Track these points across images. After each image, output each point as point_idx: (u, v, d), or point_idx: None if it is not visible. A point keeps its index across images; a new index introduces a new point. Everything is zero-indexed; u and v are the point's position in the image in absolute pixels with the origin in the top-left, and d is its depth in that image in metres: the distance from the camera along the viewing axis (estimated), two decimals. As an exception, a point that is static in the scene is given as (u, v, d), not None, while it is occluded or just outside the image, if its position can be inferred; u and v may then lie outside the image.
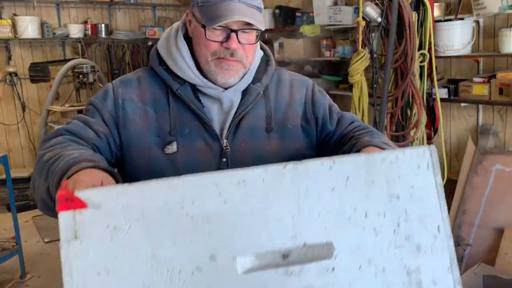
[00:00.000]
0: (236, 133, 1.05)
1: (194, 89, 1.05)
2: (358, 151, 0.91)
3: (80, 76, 4.65)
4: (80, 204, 0.49)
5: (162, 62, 1.07)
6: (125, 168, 1.06)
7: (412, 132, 2.90)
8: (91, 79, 4.70)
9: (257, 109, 1.08)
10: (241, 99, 1.07)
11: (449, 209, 2.88)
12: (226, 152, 1.03)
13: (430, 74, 2.92)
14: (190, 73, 1.04)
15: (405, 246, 0.60)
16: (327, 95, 1.19)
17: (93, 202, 0.49)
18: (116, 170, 0.91)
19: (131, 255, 0.50)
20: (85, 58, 5.10)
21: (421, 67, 2.90)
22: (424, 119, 2.91)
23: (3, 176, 4.21)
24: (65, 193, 0.49)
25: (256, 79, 1.09)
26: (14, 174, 4.28)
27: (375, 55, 2.92)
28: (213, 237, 0.53)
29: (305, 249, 0.57)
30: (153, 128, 1.02)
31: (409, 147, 0.68)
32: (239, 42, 0.99)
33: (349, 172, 0.58)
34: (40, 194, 0.86)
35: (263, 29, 1.01)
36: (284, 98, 1.12)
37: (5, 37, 4.75)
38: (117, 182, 0.79)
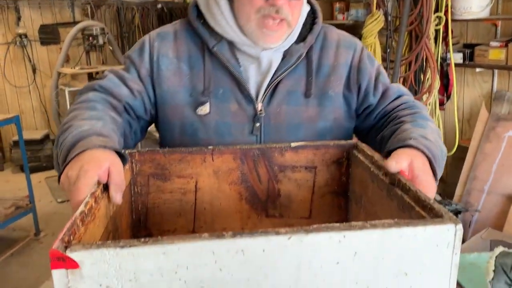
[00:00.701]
0: (272, 97, 0.99)
1: (232, 47, 0.99)
2: (390, 152, 0.80)
3: (90, 38, 4.61)
4: (72, 264, 0.50)
5: (200, 16, 1.01)
6: (160, 126, 1.04)
7: (424, 97, 2.86)
8: (101, 42, 4.65)
9: (297, 72, 1.00)
10: (282, 60, 0.99)
11: (459, 174, 2.87)
12: (260, 116, 0.98)
13: (445, 38, 2.85)
14: (228, 28, 0.96)
15: None
16: (376, 61, 1.08)
17: (86, 263, 0.50)
18: (126, 151, 0.85)
19: None
20: (94, 20, 5.04)
21: (437, 31, 2.83)
22: (437, 84, 2.85)
23: (16, 138, 4.27)
24: (57, 253, 0.49)
25: (300, 38, 1.01)
26: (26, 136, 4.34)
27: (389, 17, 2.84)
28: None
29: None
30: (186, 87, 0.98)
31: (432, 221, 0.59)
32: None
33: (359, 247, 0.54)
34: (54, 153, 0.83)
35: None
36: (328, 61, 1.02)
37: (14, -2, 4.70)
38: (124, 163, 0.76)
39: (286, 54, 1.00)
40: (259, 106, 0.98)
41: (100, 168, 0.69)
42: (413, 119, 0.93)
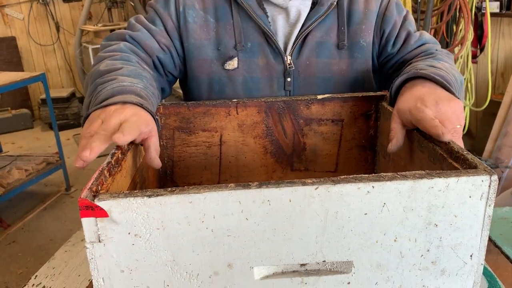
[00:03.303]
0: (301, 49, 0.95)
1: None
2: (398, 90, 0.75)
3: (111, -6, 4.56)
4: (101, 213, 0.50)
5: None
6: (187, 82, 1.01)
7: (456, 50, 2.74)
8: (122, -2, 4.60)
9: (327, 22, 0.95)
10: (311, 10, 0.94)
11: (489, 130, 2.79)
12: (290, 70, 0.95)
13: (481, -14, 2.69)
14: None
15: (429, 269, 0.57)
16: (406, 10, 1.01)
17: (114, 212, 0.50)
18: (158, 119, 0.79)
19: (152, 258, 0.52)
20: (115, -25, 4.96)
21: (472, -22, 2.67)
22: (470, 35, 2.72)
23: (43, 96, 4.36)
24: (86, 201, 0.49)
25: None
26: (54, 94, 4.42)
27: (421, -36, 2.68)
28: (232, 249, 0.53)
29: (324, 264, 0.56)
30: (213, 40, 0.95)
31: (466, 172, 0.54)
32: None
33: (387, 198, 0.53)
34: (85, 100, 0.81)
35: None
36: (359, 7, 0.97)
37: (34, -46, 4.66)
38: (158, 129, 0.71)
39: (315, 3, 0.95)
40: (288, 59, 0.95)
41: (146, 126, 0.66)
42: (427, 60, 0.86)
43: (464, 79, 2.90)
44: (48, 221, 2.99)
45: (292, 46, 0.95)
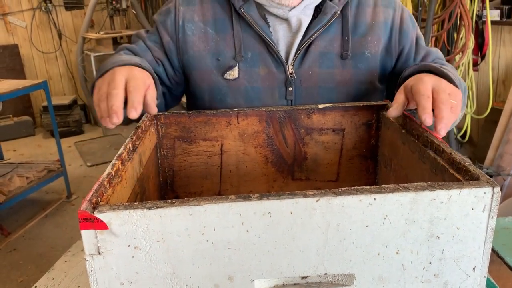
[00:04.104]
0: (304, 59, 0.95)
1: (260, 7, 0.95)
2: (405, 78, 0.79)
3: (113, 2, 4.59)
4: (100, 225, 0.50)
5: None
6: (190, 92, 1.03)
7: (457, 58, 2.74)
8: (124, 6, 4.63)
9: (331, 31, 0.94)
10: (313, 19, 0.94)
11: (491, 138, 2.78)
12: (292, 80, 0.94)
13: (482, -6, 2.70)
14: None
15: (432, 282, 0.56)
16: (415, 22, 1.02)
17: (114, 224, 0.50)
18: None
19: (152, 271, 0.52)
20: (117, -17, 4.99)
21: (473, -14, 2.67)
22: (471, 43, 2.72)
23: (45, 103, 4.37)
24: (85, 214, 0.49)
25: None
26: (55, 101, 4.43)
27: (422, -27, 2.70)
28: (232, 262, 0.53)
29: (325, 277, 0.55)
30: (213, 51, 0.96)
31: (468, 184, 0.54)
32: None
33: (389, 210, 0.52)
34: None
35: None
36: (365, 18, 0.96)
37: (37, -38, 4.70)
38: (156, 84, 0.80)
39: (318, 12, 0.95)
40: (290, 68, 0.95)
41: (148, 78, 0.75)
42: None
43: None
44: (49, 228, 2.99)
45: (294, 56, 0.95)
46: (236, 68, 0.95)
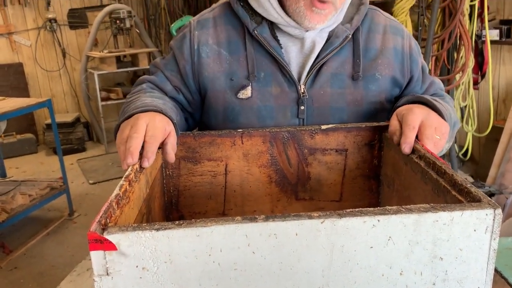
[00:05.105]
0: (315, 79, 0.97)
1: (272, 29, 0.98)
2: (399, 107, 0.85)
3: (117, 21, 4.66)
4: (110, 246, 0.51)
5: None
6: (204, 112, 1.05)
7: (457, 77, 2.77)
8: (127, 25, 4.70)
9: (343, 54, 0.98)
10: (326, 41, 0.97)
11: (493, 156, 2.79)
12: (304, 99, 0.96)
13: (480, 14, 2.74)
14: (271, 10, 0.95)
15: None
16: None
17: (122, 245, 0.51)
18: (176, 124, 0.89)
19: None
20: (121, 3, 5.07)
21: (471, 7, 2.72)
22: (471, 62, 2.76)
23: (48, 121, 4.40)
24: (95, 235, 0.50)
25: (346, 19, 0.99)
26: (58, 119, 4.46)
27: (421, -6, 2.74)
28: (238, 283, 0.53)
29: None
30: (227, 72, 0.98)
31: (470, 206, 0.55)
32: None
33: (393, 231, 0.53)
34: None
35: None
36: (375, 44, 1.00)
37: (43, -17, 4.79)
38: (176, 131, 0.83)
39: (331, 36, 0.98)
40: (302, 88, 0.97)
41: (168, 125, 0.78)
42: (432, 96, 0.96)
43: (466, 105, 2.92)
44: (50, 246, 2.98)
45: (307, 76, 0.97)
46: (249, 87, 0.97)
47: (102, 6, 4.95)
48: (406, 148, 0.75)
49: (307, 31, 0.96)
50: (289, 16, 0.95)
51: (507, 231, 2.13)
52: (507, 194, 2.61)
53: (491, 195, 2.55)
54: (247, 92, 0.97)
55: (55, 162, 3.83)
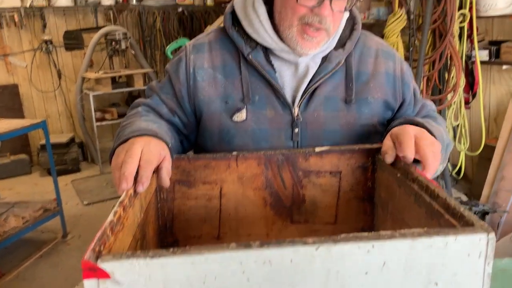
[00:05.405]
0: (309, 102, 0.99)
1: (267, 53, 1.00)
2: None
3: (113, 43, 4.70)
4: (103, 274, 0.50)
5: (235, 22, 1.02)
6: (200, 135, 1.06)
7: (449, 96, 2.81)
8: (123, 46, 4.73)
9: (336, 78, 1.00)
10: (319, 66, 0.99)
11: (486, 175, 2.81)
12: (298, 122, 0.98)
13: (470, 35, 2.79)
14: (266, 36, 0.97)
15: None
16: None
17: (116, 273, 0.51)
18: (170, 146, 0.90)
19: None
20: (117, 25, 5.12)
21: (461, 28, 2.77)
22: (462, 82, 2.80)
23: (43, 142, 4.38)
24: (88, 263, 0.50)
25: (339, 45, 1.01)
26: (53, 139, 4.44)
27: (412, 16, 2.80)
28: None
29: None
30: (222, 95, 1.00)
31: (463, 230, 0.55)
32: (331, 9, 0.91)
33: (387, 257, 0.54)
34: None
35: None
36: (367, 68, 1.02)
37: (39, 5, 4.83)
38: (171, 155, 0.83)
39: (324, 60, 1.00)
40: (296, 111, 0.98)
41: (163, 150, 0.79)
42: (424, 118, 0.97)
43: (458, 124, 2.95)
44: (43, 269, 2.94)
45: (300, 99, 0.98)
46: (244, 110, 0.99)
47: (98, 28, 4.99)
48: (409, 154, 0.77)
49: (300, 56, 0.98)
50: (283, 42, 0.97)
51: (502, 250, 2.13)
52: (500, 212, 2.62)
53: (485, 213, 2.56)
54: (242, 115, 0.99)
55: (49, 183, 3.80)
